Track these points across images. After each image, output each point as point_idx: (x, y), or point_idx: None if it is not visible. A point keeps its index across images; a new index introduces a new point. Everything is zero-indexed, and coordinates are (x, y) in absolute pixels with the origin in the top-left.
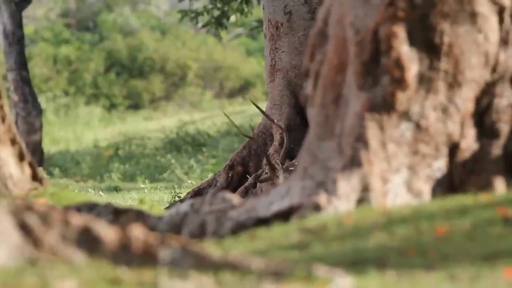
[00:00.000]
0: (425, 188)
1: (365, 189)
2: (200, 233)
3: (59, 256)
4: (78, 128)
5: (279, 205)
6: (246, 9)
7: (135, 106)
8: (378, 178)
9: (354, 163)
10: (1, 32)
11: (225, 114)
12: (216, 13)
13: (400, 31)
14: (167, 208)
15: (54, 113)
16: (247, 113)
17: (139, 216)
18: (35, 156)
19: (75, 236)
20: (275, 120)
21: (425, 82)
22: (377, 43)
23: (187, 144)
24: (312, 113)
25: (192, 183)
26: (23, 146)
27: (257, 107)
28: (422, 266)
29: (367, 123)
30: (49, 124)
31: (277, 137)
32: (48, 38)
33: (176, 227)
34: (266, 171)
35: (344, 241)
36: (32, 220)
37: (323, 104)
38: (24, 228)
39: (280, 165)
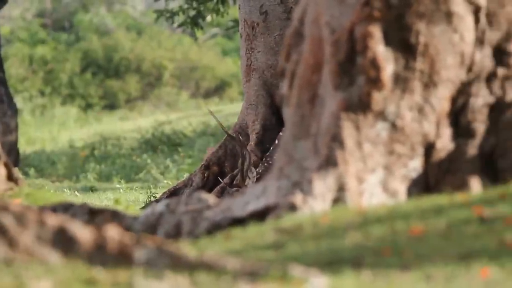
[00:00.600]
0: (401, 188)
1: (341, 189)
2: (176, 233)
3: (34, 257)
4: (54, 128)
5: (254, 205)
6: (222, 9)
7: (111, 106)
8: (353, 178)
9: (329, 163)
10: None
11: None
12: (192, 13)
13: (376, 31)
14: (143, 208)
15: (30, 113)
16: (223, 113)
17: (115, 216)
18: (11, 156)
19: (51, 237)
20: (250, 123)
21: (401, 82)
22: (353, 43)
23: (163, 144)
24: (288, 113)
25: (168, 183)
26: None
27: (216, 118)
28: (397, 266)
29: (343, 122)
30: (25, 124)
31: (253, 137)
32: (24, 38)
33: (151, 227)
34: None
35: (319, 241)
36: (8, 221)
37: (299, 104)
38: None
39: (253, 173)
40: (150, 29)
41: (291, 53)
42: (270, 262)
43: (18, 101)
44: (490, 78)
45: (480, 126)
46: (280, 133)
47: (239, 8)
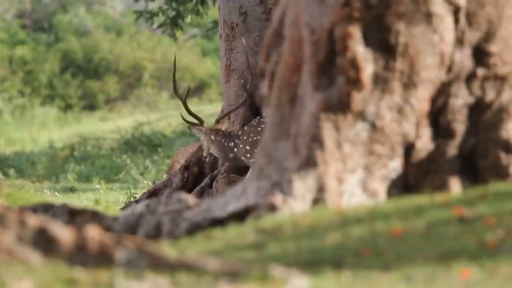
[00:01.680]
0: (381, 188)
1: (321, 189)
2: (156, 234)
3: (15, 257)
4: (34, 128)
5: (234, 206)
6: (201, 10)
7: (91, 106)
8: (333, 178)
9: (309, 163)
10: None
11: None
12: (172, 13)
13: (356, 32)
14: (123, 208)
15: (10, 113)
16: (203, 113)
17: (95, 216)
18: None
19: (31, 237)
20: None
21: (381, 82)
22: (333, 43)
23: (142, 145)
24: (268, 114)
25: (147, 184)
26: None
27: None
28: (377, 266)
29: (322, 123)
30: (5, 125)
31: None
32: (4, 39)
33: (131, 227)
34: (222, 171)
35: (299, 241)
36: None
37: (279, 105)
38: None
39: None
40: (130, 30)
41: (271, 53)
42: (251, 263)
43: None
44: (470, 78)
45: (460, 126)
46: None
47: (219, 9)
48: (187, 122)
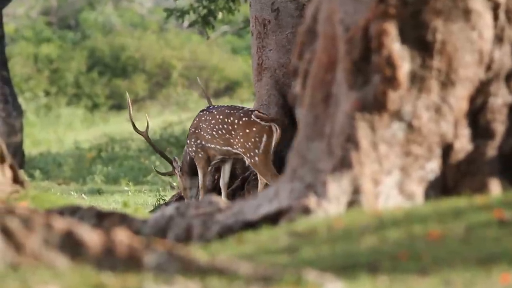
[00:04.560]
0: (418, 190)
1: (356, 191)
2: (186, 237)
3: (41, 261)
4: (60, 129)
5: (267, 208)
6: (233, 7)
7: (118, 106)
8: (369, 180)
9: (344, 164)
10: None
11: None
12: (203, 11)
13: (391, 28)
14: (152, 211)
15: (35, 113)
16: None
17: (123, 219)
18: (16, 158)
19: (58, 240)
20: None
21: (417, 80)
22: (368, 40)
23: (171, 145)
24: (301, 113)
25: (177, 186)
26: (4, 148)
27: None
28: (415, 270)
29: (357, 123)
30: (30, 125)
31: None
32: (29, 36)
33: (161, 231)
34: (254, 173)
35: (334, 245)
36: (14, 224)
37: (312, 104)
38: (6, 233)
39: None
40: (157, 27)
41: (304, 51)
42: (284, 267)
43: (23, 101)
44: (510, 77)
45: (499, 127)
46: None
47: (250, 6)
48: (159, 173)
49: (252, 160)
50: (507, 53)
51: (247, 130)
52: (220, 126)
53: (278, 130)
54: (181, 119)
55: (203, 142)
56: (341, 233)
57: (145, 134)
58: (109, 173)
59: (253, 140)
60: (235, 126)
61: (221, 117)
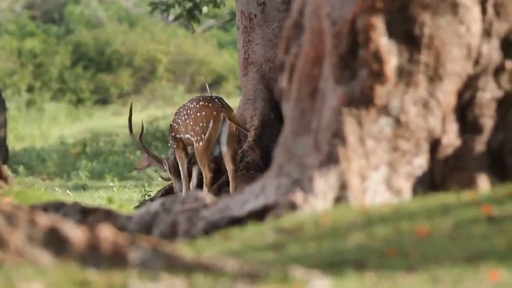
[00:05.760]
0: (406, 186)
1: (343, 187)
2: (172, 233)
3: (25, 258)
4: (44, 124)
5: (253, 204)
6: (218, 1)
7: (103, 101)
8: (356, 176)
9: (331, 160)
10: None
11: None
12: (188, 5)
13: (379, 23)
14: (137, 207)
15: (19, 108)
16: None
17: (108, 215)
18: None
19: (42, 237)
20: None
21: (405, 75)
22: (355, 35)
23: (157, 140)
24: (288, 108)
25: (162, 181)
26: None
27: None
28: (402, 267)
29: (344, 118)
30: (14, 120)
31: (251, 133)
32: (13, 30)
33: (146, 227)
34: (240, 168)
35: (321, 242)
36: None
37: (299, 99)
38: None
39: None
40: (143, 21)
41: (290, 45)
42: (270, 264)
43: (7, 96)
44: (498, 71)
45: (487, 122)
46: None
47: None
48: (161, 177)
49: (197, 145)
50: (495, 48)
51: (198, 114)
52: (184, 112)
53: (226, 120)
54: (166, 113)
55: (176, 134)
56: (328, 230)
57: (138, 140)
58: (93, 169)
59: (201, 124)
60: (192, 111)
61: (188, 104)
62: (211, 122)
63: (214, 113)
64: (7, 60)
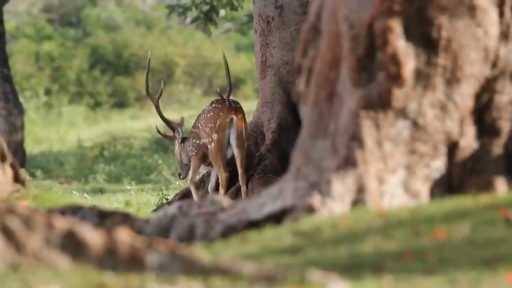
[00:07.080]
0: (423, 189)
1: (361, 190)
2: (189, 237)
3: (42, 261)
4: (62, 127)
5: (271, 207)
6: (236, 3)
7: (121, 104)
8: (374, 179)
9: (348, 163)
10: None
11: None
12: (205, 7)
13: (396, 25)
14: (155, 210)
15: (36, 112)
16: None
17: (125, 219)
18: (17, 157)
19: (59, 240)
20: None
21: (422, 78)
22: (372, 38)
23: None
24: (305, 111)
25: (180, 185)
26: (5, 146)
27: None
28: (420, 270)
29: (362, 121)
30: (31, 124)
31: (268, 136)
32: (30, 34)
33: (164, 230)
34: (257, 171)
35: (339, 245)
36: (15, 224)
37: (316, 102)
38: (6, 232)
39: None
40: (160, 24)
41: (308, 48)
42: (288, 267)
43: (24, 99)
44: None
45: (505, 124)
46: None
47: (254, 2)
48: (160, 133)
49: (209, 146)
50: None
51: (208, 115)
52: (202, 116)
53: (238, 121)
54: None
55: (196, 140)
56: (346, 233)
57: (155, 102)
58: (111, 172)
59: (210, 125)
60: (204, 114)
61: (205, 108)
62: (218, 122)
63: (221, 113)
64: (25, 64)
